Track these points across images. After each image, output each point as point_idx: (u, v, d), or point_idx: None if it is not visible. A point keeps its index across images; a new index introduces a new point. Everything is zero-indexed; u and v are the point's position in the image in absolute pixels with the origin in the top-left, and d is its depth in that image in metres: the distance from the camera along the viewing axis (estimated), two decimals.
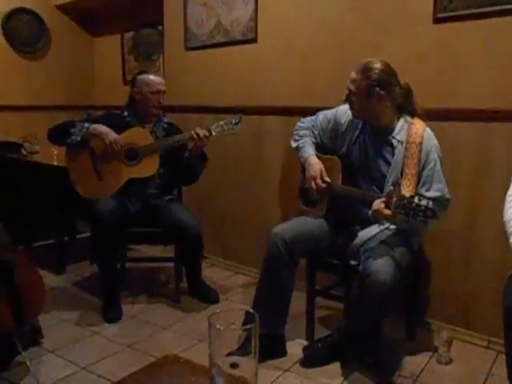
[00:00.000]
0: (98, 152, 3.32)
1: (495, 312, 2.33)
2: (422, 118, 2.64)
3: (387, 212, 2.28)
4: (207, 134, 3.26)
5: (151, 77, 3.43)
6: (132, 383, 1.30)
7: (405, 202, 2.20)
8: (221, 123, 3.30)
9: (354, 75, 2.57)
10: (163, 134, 3.50)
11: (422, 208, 2.16)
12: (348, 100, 2.65)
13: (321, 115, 2.95)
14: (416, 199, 2.20)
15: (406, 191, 2.39)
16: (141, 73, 3.51)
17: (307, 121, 3.00)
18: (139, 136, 3.36)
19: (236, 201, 4.21)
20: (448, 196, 2.50)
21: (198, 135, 3.24)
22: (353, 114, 2.71)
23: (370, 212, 2.40)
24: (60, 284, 3.84)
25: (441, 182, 2.50)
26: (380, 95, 2.53)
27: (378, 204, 2.32)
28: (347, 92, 2.63)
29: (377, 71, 2.51)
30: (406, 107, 2.65)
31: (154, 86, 3.40)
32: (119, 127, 3.34)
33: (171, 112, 3.85)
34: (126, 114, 3.51)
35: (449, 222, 2.97)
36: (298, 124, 3.02)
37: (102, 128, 3.28)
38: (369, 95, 2.54)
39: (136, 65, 5.25)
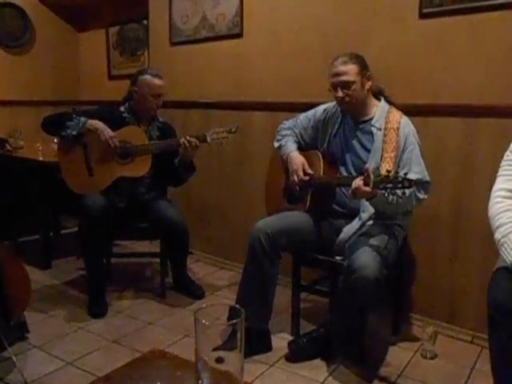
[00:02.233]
0: (91, 148, 3.29)
1: (480, 307, 2.37)
2: (397, 107, 2.73)
3: (366, 189, 2.29)
4: (198, 143, 3.22)
5: (154, 80, 3.34)
6: (118, 378, 1.30)
7: (382, 176, 2.23)
8: (217, 130, 3.25)
9: (343, 68, 2.62)
10: (157, 134, 3.49)
11: (399, 179, 2.19)
12: (340, 96, 2.65)
13: (301, 116, 3.04)
14: (393, 173, 2.24)
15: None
16: (143, 72, 3.41)
17: (288, 122, 3.08)
18: (134, 135, 3.33)
19: (221, 196, 4.21)
20: (428, 178, 2.56)
21: (189, 143, 3.22)
22: (345, 106, 2.72)
23: (350, 191, 2.44)
24: (46, 279, 3.82)
25: (420, 165, 2.56)
26: (369, 76, 2.68)
27: (358, 182, 2.35)
28: (338, 87, 2.64)
29: (360, 57, 2.66)
30: (383, 94, 2.79)
31: (155, 89, 3.34)
32: (115, 123, 3.32)
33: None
34: (122, 109, 3.47)
35: (434, 217, 2.99)
36: (280, 126, 3.10)
37: (98, 124, 3.24)
38: (362, 77, 2.65)
39: (121, 60, 5.23)
